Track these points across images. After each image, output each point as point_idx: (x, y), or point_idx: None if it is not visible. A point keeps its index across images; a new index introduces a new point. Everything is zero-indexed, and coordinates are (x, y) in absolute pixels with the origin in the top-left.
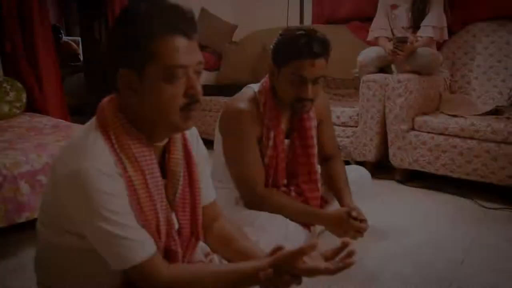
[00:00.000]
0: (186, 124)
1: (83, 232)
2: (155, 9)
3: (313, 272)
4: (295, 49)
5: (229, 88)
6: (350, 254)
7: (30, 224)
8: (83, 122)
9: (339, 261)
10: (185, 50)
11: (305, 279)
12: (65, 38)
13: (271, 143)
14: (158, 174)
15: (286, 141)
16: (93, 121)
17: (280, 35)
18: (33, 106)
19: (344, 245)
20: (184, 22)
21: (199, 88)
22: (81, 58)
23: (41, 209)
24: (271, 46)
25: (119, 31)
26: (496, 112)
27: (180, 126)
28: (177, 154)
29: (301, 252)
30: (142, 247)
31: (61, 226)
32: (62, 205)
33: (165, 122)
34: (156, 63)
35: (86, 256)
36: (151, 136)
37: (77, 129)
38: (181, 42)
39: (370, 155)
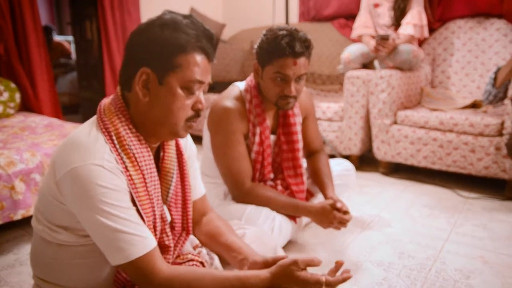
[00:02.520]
0: (185, 134)
1: (84, 227)
2: (193, 26)
3: (313, 283)
4: (278, 49)
5: (218, 86)
6: (346, 271)
7: (26, 221)
8: (76, 121)
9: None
10: (204, 69)
11: None
12: (57, 38)
13: (257, 139)
14: (156, 173)
15: (272, 137)
16: (93, 120)
17: (264, 34)
18: (26, 106)
19: (339, 265)
20: (210, 46)
21: (204, 104)
22: (74, 58)
23: (36, 207)
24: (255, 46)
25: (155, 33)
26: (474, 106)
27: (181, 134)
28: (171, 153)
29: (305, 263)
30: (143, 241)
31: (58, 222)
32: (61, 202)
33: (169, 128)
34: (179, 74)
35: (79, 252)
36: (150, 137)
37: (77, 128)
38: (203, 61)
39: (355, 149)
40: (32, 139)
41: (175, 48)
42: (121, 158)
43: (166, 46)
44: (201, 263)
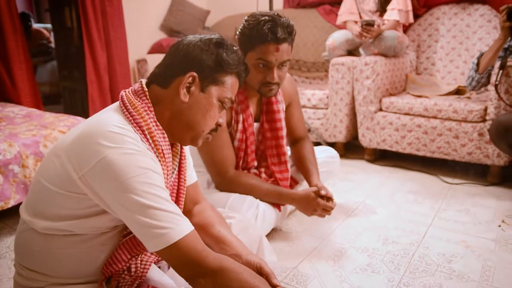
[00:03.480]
0: (199, 144)
1: (120, 216)
2: (236, 52)
3: None
4: (260, 35)
5: None
6: None
7: (5, 214)
8: (57, 111)
9: None
10: (235, 91)
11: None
12: (35, 26)
13: (240, 126)
14: (172, 166)
15: (256, 125)
16: (114, 112)
17: (245, 20)
18: (4, 96)
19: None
20: (246, 73)
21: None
22: (53, 46)
23: (30, 198)
24: (237, 32)
25: (212, 48)
26: (458, 92)
27: (198, 143)
28: (178, 146)
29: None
30: (185, 221)
31: (61, 212)
32: (79, 193)
33: (194, 133)
34: (220, 88)
35: (70, 242)
36: (170, 135)
37: (89, 123)
38: (237, 84)
39: (341, 136)
40: (10, 130)
41: (225, 66)
42: (154, 152)
43: (219, 62)
44: None
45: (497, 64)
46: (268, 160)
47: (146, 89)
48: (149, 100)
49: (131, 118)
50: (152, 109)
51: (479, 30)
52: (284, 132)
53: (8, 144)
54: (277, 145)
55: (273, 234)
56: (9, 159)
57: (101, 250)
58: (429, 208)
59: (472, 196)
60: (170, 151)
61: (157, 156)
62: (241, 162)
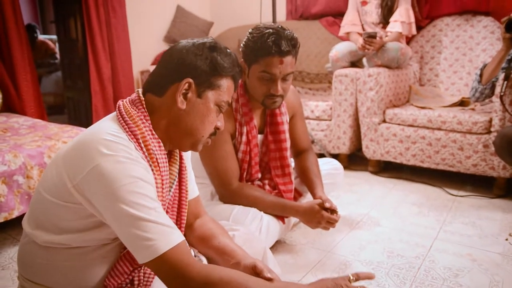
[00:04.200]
0: (200, 149)
1: (111, 224)
2: (230, 54)
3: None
4: (264, 47)
5: None
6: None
7: (8, 224)
8: (61, 121)
9: None
10: (231, 94)
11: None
12: (41, 37)
13: (244, 138)
14: (169, 176)
15: (259, 136)
16: (110, 121)
17: (249, 33)
18: (9, 106)
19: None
20: (240, 75)
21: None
22: (58, 57)
23: (32, 210)
24: (242, 44)
25: (207, 53)
26: (462, 103)
27: (198, 148)
28: (176, 157)
29: None
30: (174, 232)
31: (61, 225)
32: (75, 203)
33: (194, 139)
34: (216, 93)
35: (72, 254)
36: (168, 143)
37: (84, 132)
38: (233, 87)
39: (344, 148)
40: (15, 140)
41: (220, 70)
42: (148, 161)
43: (214, 66)
44: None
45: (502, 75)
46: (272, 172)
47: (143, 98)
48: (145, 109)
49: (126, 126)
50: (148, 118)
51: (482, 42)
52: (288, 143)
53: (13, 155)
54: (281, 157)
55: (277, 246)
56: (14, 170)
57: (103, 262)
58: (434, 221)
59: (478, 208)
60: (166, 160)
61: (151, 166)
62: (245, 174)
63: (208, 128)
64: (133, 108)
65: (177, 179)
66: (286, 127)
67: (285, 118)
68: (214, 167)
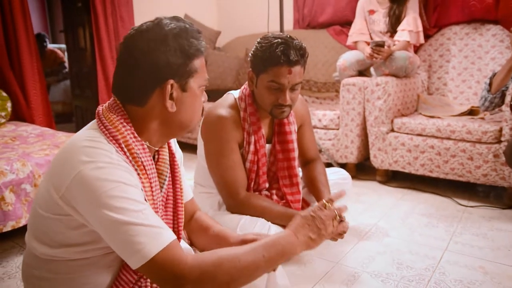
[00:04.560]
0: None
1: (99, 232)
2: (196, 31)
3: (319, 207)
4: (272, 57)
5: (213, 94)
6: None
7: (15, 233)
8: (69, 129)
9: None
10: (204, 67)
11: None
12: (50, 46)
13: (252, 148)
14: (157, 178)
15: (267, 146)
16: (90, 128)
17: (258, 42)
18: (18, 115)
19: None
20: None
21: None
22: (67, 66)
23: (30, 224)
24: (250, 54)
25: (174, 45)
26: (471, 112)
27: (195, 128)
28: (165, 155)
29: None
30: (163, 233)
31: (57, 239)
32: (65, 215)
33: (193, 125)
34: (196, 77)
35: (76, 266)
36: (159, 141)
37: (66, 143)
38: (203, 58)
39: (352, 157)
40: (23, 149)
41: (192, 54)
42: (132, 164)
43: (186, 54)
44: None
45: (511, 84)
46: (280, 182)
47: (119, 102)
48: (125, 113)
49: (106, 131)
50: (129, 121)
51: (491, 50)
52: (296, 153)
53: (21, 164)
54: (289, 167)
55: None
56: (22, 179)
57: (108, 271)
58: (443, 232)
59: (489, 219)
60: (152, 162)
61: (136, 168)
62: (252, 183)
63: (199, 112)
64: (112, 113)
65: (168, 178)
66: (294, 136)
67: (293, 128)
68: (221, 176)
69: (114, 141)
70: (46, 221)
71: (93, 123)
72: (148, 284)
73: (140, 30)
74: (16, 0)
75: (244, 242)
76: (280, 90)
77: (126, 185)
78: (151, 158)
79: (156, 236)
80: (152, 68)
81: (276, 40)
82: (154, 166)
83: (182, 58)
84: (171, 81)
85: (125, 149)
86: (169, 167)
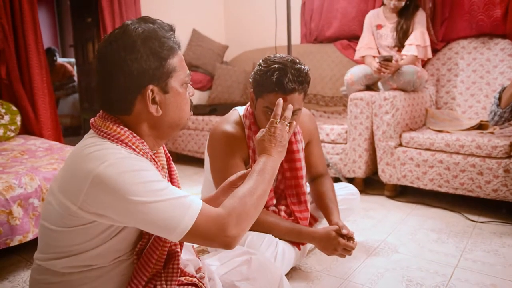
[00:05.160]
0: (188, 123)
1: (133, 224)
2: (161, 27)
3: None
4: (267, 84)
5: (220, 108)
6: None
7: (23, 247)
8: (77, 143)
9: None
10: (183, 60)
11: None
12: (60, 60)
13: None
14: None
15: None
16: (93, 138)
17: (258, 65)
18: (27, 129)
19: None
20: (175, 36)
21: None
22: (76, 80)
23: (42, 239)
24: (251, 74)
25: (145, 50)
26: (480, 127)
27: (187, 126)
28: (162, 159)
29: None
30: (193, 199)
31: (74, 250)
32: (84, 224)
33: (181, 125)
34: (176, 75)
35: (88, 277)
36: (157, 144)
37: (75, 158)
38: (181, 54)
39: (360, 172)
40: (32, 163)
41: (166, 54)
42: (141, 156)
43: (159, 56)
44: None
45: None
46: (288, 200)
47: (107, 113)
48: (118, 120)
49: (107, 135)
50: (122, 125)
51: (500, 64)
52: (303, 171)
53: (29, 178)
54: (296, 185)
55: (292, 273)
56: (30, 193)
57: (121, 280)
58: (454, 248)
59: (500, 235)
60: (154, 158)
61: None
62: None
63: (186, 108)
64: (106, 120)
65: (167, 180)
66: (301, 155)
67: (301, 146)
68: None
69: (118, 141)
70: (59, 236)
71: (89, 134)
72: (163, 281)
73: (109, 41)
74: (28, 15)
75: (231, 184)
76: None
77: (143, 170)
78: (152, 153)
79: (189, 205)
80: (127, 78)
81: (273, 66)
82: (155, 162)
83: (155, 61)
84: (150, 86)
85: (133, 146)
86: (167, 170)
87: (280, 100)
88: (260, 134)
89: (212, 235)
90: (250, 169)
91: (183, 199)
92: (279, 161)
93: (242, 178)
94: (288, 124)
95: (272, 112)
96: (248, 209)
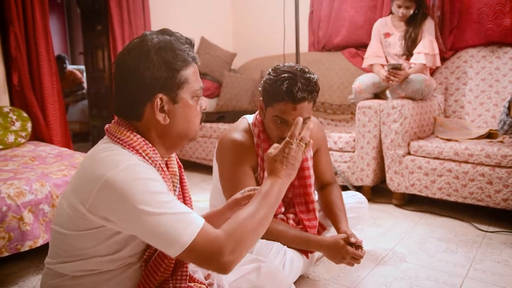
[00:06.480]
0: (197, 138)
1: (134, 232)
2: (178, 40)
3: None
4: (277, 93)
5: (228, 115)
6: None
7: (32, 253)
8: (86, 149)
9: None
10: (198, 74)
11: None
12: (70, 67)
13: (266, 173)
14: (172, 183)
15: None
16: (107, 144)
17: (268, 73)
18: (37, 135)
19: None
20: (193, 51)
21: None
22: (85, 86)
23: (53, 244)
24: (261, 83)
25: (157, 59)
26: (489, 135)
27: (197, 137)
28: (174, 166)
29: None
30: (195, 217)
31: (85, 254)
32: (94, 228)
33: (190, 136)
34: (187, 87)
35: (97, 282)
36: (167, 153)
37: (89, 161)
38: (197, 68)
39: (368, 180)
40: (42, 169)
41: (179, 66)
42: (150, 164)
43: (172, 67)
44: None
45: None
46: (296, 208)
47: (123, 119)
48: (131, 126)
49: (120, 141)
50: (135, 132)
51: (509, 73)
52: (312, 180)
53: (40, 184)
54: (305, 193)
55: (300, 281)
56: (40, 199)
57: (129, 285)
58: (463, 258)
59: (510, 246)
60: (165, 166)
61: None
62: None
63: (196, 121)
64: (120, 126)
65: (178, 189)
66: (310, 163)
67: (309, 154)
68: None
69: (130, 148)
70: (70, 240)
71: (104, 140)
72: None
73: (128, 49)
74: (40, 24)
75: (236, 202)
76: (285, 124)
77: (152, 180)
78: (164, 162)
79: (190, 221)
80: (139, 84)
81: (283, 75)
82: (167, 170)
83: (167, 71)
84: (160, 95)
85: (143, 154)
86: (178, 178)
87: (300, 120)
88: (272, 150)
89: (207, 256)
90: (256, 187)
91: (186, 215)
92: (288, 183)
93: (248, 198)
94: (304, 145)
95: (281, 121)
96: (246, 235)
